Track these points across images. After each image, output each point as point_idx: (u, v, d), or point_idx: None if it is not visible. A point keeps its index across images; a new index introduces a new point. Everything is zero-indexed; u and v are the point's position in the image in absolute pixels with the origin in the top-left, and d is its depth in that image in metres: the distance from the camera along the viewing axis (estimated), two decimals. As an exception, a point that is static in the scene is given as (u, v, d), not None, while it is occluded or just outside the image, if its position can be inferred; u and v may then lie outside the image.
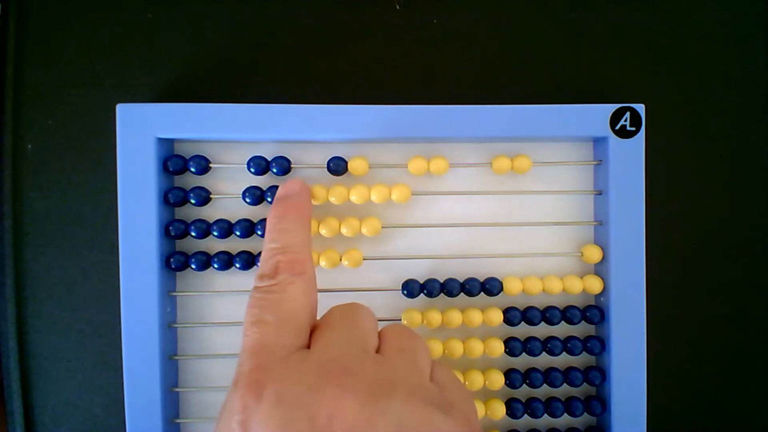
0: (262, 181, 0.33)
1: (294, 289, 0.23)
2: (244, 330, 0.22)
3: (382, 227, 0.33)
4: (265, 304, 0.23)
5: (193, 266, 0.32)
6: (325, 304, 0.33)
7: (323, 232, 0.33)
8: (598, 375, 0.33)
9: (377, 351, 0.22)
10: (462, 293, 0.33)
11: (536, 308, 0.33)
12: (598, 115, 0.32)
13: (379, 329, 0.24)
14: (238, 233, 0.32)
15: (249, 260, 0.32)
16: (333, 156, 0.33)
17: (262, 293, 0.23)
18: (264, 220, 0.33)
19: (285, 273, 0.24)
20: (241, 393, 0.19)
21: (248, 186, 0.33)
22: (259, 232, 0.32)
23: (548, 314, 0.33)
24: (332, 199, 0.33)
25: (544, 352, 0.33)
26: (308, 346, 0.22)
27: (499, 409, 0.32)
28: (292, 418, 0.18)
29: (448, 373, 0.23)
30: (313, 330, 0.23)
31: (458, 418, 0.20)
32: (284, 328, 0.22)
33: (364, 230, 0.33)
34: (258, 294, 0.23)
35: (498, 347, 0.33)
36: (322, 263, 0.33)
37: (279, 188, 0.29)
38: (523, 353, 0.33)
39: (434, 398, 0.20)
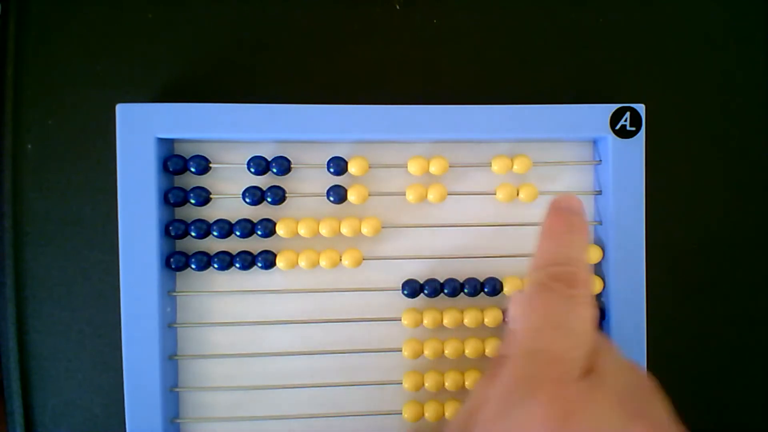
0: (262, 181, 0.33)
1: (590, 310, 0.22)
2: (539, 326, 0.21)
3: (382, 227, 0.33)
4: (567, 310, 0.21)
5: (193, 266, 0.32)
6: (325, 304, 0.34)
7: (323, 232, 0.33)
8: (598, 375, 0.33)
9: None
10: (462, 293, 0.33)
11: (536, 308, 0.33)
12: (598, 115, 0.32)
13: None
14: (238, 233, 0.32)
15: (249, 260, 0.32)
16: (333, 156, 0.33)
17: (562, 298, 0.22)
18: (264, 220, 0.33)
19: (584, 289, 0.22)
20: (545, 405, 0.19)
21: (248, 186, 0.33)
22: (259, 232, 0.32)
23: (548, 314, 0.33)
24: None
25: (544, 352, 0.33)
26: None
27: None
28: None
29: None
30: None
31: None
32: (581, 346, 0.21)
33: (364, 230, 0.33)
34: (554, 296, 0.22)
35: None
36: (322, 263, 0.33)
37: (560, 198, 0.25)
38: (523, 353, 0.33)
39: None
